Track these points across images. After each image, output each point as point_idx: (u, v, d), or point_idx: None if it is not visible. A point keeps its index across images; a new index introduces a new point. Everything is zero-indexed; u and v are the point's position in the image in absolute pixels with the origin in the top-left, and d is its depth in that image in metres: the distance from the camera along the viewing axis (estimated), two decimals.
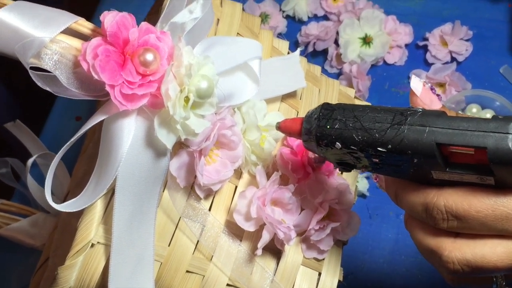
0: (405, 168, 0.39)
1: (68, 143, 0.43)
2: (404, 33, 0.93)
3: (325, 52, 0.95)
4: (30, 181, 0.82)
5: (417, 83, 0.43)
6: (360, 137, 0.39)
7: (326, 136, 0.41)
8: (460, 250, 0.38)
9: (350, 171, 0.44)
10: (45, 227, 0.79)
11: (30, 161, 0.82)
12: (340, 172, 0.46)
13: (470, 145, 0.36)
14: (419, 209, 0.40)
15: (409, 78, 0.91)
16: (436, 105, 0.43)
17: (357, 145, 0.40)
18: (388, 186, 0.44)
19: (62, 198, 0.85)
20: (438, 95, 0.43)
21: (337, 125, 0.40)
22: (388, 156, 0.39)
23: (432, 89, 0.43)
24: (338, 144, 0.41)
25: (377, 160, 0.40)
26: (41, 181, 0.76)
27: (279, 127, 0.46)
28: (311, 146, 0.43)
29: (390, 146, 0.38)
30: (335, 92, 0.61)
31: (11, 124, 0.86)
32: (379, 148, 0.39)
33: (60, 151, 0.43)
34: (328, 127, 0.41)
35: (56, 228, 0.79)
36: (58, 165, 0.84)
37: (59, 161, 0.53)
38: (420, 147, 0.37)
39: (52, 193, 0.85)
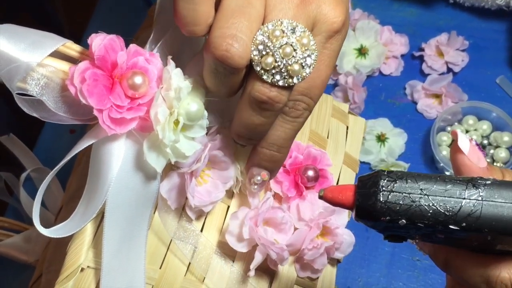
0: (469, 241, 0.36)
1: (53, 171, 0.43)
2: (400, 44, 0.93)
3: None
4: (23, 195, 0.81)
5: (464, 141, 0.40)
6: (430, 214, 0.35)
7: (389, 213, 0.35)
8: None
9: (401, 242, 0.39)
10: (38, 243, 0.78)
11: (23, 176, 0.81)
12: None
13: None
14: (477, 280, 0.37)
15: (404, 89, 0.91)
16: (482, 163, 0.40)
17: (425, 223, 0.35)
18: (435, 252, 0.40)
19: (56, 212, 0.84)
20: (483, 151, 0.42)
21: (401, 201, 0.35)
22: (458, 233, 0.35)
23: (477, 145, 0.41)
24: (403, 221, 0.35)
25: (442, 236, 0.36)
26: (34, 195, 0.75)
27: (324, 196, 0.38)
28: (366, 222, 0.37)
29: (464, 224, 0.35)
30: (329, 108, 0.61)
31: (5, 138, 0.86)
32: (451, 226, 0.35)
33: (46, 178, 0.43)
34: (392, 202, 0.35)
35: (50, 243, 0.78)
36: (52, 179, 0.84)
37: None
38: (500, 226, 0.34)
39: (46, 207, 0.84)
